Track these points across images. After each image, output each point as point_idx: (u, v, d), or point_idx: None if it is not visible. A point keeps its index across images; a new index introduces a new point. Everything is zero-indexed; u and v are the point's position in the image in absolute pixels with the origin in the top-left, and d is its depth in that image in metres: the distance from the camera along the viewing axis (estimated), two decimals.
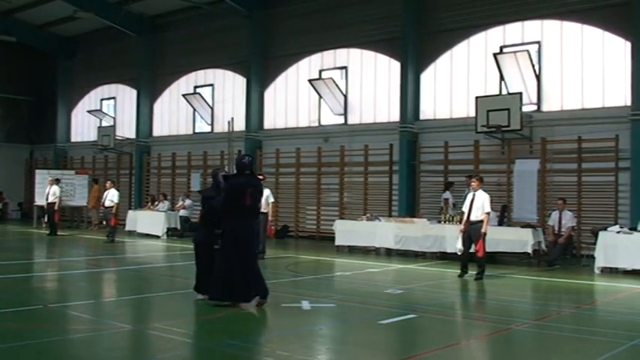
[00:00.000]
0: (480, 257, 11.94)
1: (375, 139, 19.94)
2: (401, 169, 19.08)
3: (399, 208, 18.98)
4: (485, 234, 11.97)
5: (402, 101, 19.20)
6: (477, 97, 17.14)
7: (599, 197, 16.01)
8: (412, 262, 14.91)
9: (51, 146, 30.91)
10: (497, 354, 7.11)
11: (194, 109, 24.89)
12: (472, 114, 17.29)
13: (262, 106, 23.08)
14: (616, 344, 7.15)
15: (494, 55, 16.93)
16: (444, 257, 15.16)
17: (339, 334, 7.71)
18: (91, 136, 28.75)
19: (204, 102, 24.42)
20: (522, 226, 14.82)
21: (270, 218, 15.22)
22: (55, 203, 21.18)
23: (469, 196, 12.38)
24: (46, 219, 21.88)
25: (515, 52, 16.68)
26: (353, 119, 20.88)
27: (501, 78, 17.12)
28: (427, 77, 19.17)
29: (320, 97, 21.09)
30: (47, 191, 21.38)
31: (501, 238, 14.08)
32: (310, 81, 20.88)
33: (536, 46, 17.21)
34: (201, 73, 25.22)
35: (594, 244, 13.66)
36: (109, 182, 20.21)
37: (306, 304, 8.99)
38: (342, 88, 20.93)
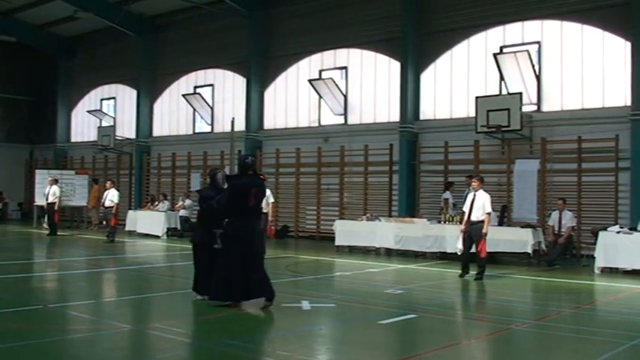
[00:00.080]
0: (482, 258, 11.94)
1: (375, 139, 19.94)
2: (401, 169, 19.08)
3: (399, 208, 18.98)
4: (486, 234, 11.97)
5: (402, 101, 19.21)
6: (476, 97, 17.14)
7: (599, 197, 16.01)
8: (412, 262, 14.91)
9: (51, 146, 30.91)
10: (497, 354, 7.11)
11: (194, 109, 24.89)
12: (472, 114, 17.29)
13: (262, 106, 23.09)
14: (616, 344, 7.15)
15: (494, 55, 16.93)
16: (444, 257, 15.16)
17: (339, 334, 7.71)
18: (91, 136, 28.75)
19: (204, 102, 24.42)
20: (522, 226, 14.82)
21: (270, 218, 15.20)
22: (55, 203, 21.18)
23: (470, 196, 12.38)
24: (45, 219, 21.87)
25: (515, 52, 16.68)
26: (353, 119, 20.88)
27: (501, 78, 17.12)
28: (427, 77, 19.18)
29: (320, 97, 21.09)
30: (47, 191, 21.38)
31: (501, 238, 14.08)
32: (310, 81, 20.88)
33: (536, 46, 17.22)
34: (201, 73, 25.22)
35: (594, 244, 13.65)
36: (109, 182, 20.20)
37: (306, 304, 8.99)
38: (342, 88, 20.93)
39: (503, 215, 15.72)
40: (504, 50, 17.37)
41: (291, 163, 21.86)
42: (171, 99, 26.31)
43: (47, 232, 21.19)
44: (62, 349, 6.71)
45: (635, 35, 15.37)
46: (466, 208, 12.28)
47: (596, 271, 13.27)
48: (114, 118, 28.42)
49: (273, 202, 15.47)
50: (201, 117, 24.80)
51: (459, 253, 12.54)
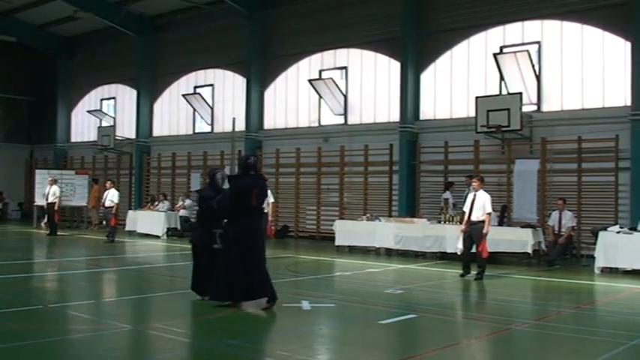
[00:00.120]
0: (484, 258, 11.94)
1: (375, 139, 19.94)
2: (401, 169, 19.08)
3: (399, 208, 18.98)
4: (486, 234, 11.98)
5: (402, 101, 19.21)
6: (476, 97, 17.14)
7: (599, 197, 16.01)
8: (412, 262, 14.91)
9: (51, 146, 30.91)
10: (498, 354, 7.11)
11: (194, 109, 24.90)
12: (472, 114, 17.29)
13: (262, 106, 23.09)
14: (616, 344, 7.15)
15: (494, 55, 16.93)
16: (444, 257, 15.16)
17: (339, 334, 7.71)
18: (91, 136, 28.75)
19: (204, 102, 24.42)
20: (522, 226, 14.82)
21: (270, 218, 15.20)
22: (55, 203, 21.19)
23: (470, 196, 12.38)
24: (45, 219, 21.87)
25: (515, 52, 16.68)
26: (353, 119, 20.88)
27: (501, 78, 17.11)
28: (427, 77, 19.18)
29: (320, 97, 21.09)
30: (47, 191, 21.38)
31: (501, 238, 14.08)
32: (310, 81, 20.88)
33: (536, 46, 17.22)
34: (201, 73, 25.22)
35: (594, 244, 13.66)
36: (109, 182, 20.20)
37: (306, 304, 8.99)
38: (342, 88, 20.93)
39: (503, 215, 15.71)
40: (504, 50, 17.37)
41: (291, 163, 21.86)
42: (171, 99, 26.31)
43: (47, 232, 21.19)
44: (62, 349, 6.71)
45: (635, 35, 15.37)
46: (466, 208, 12.28)
47: (596, 271, 13.27)
48: (114, 118, 28.42)
49: (273, 202, 15.48)
50: (201, 117, 24.80)
51: (459, 253, 12.54)
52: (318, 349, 6.88)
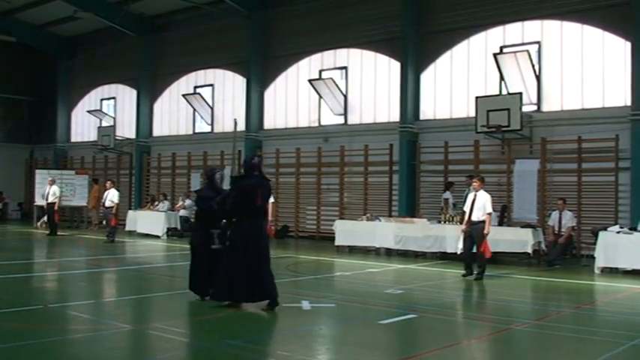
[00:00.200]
0: (486, 258, 11.93)
1: (375, 139, 19.94)
2: (401, 169, 19.08)
3: (399, 208, 18.98)
4: (487, 234, 11.98)
5: (402, 101, 19.20)
6: (476, 97, 17.13)
7: (599, 197, 16.01)
8: (412, 262, 14.91)
9: (51, 146, 30.91)
10: (498, 354, 7.11)
11: (194, 109, 24.90)
12: (472, 114, 17.29)
13: (262, 106, 23.09)
14: (616, 344, 7.15)
15: (494, 55, 16.92)
16: (444, 257, 15.16)
17: (339, 334, 7.71)
18: (91, 136, 28.74)
19: (204, 102, 24.42)
20: (522, 226, 14.82)
21: (270, 218, 15.18)
22: (55, 203, 21.19)
23: (470, 196, 12.38)
24: (44, 219, 21.86)
25: (515, 52, 16.68)
26: (353, 119, 20.88)
27: (501, 78, 17.11)
28: (427, 77, 19.18)
29: (320, 97, 21.09)
30: (47, 191, 21.37)
31: (501, 238, 14.08)
32: (310, 81, 20.88)
33: (536, 46, 17.21)
34: (201, 73, 25.22)
35: (594, 244, 13.66)
36: (109, 182, 20.21)
37: (306, 304, 8.99)
38: (342, 88, 20.93)
39: (504, 215, 15.71)
40: (504, 50, 17.37)
41: (291, 163, 21.86)
42: (171, 99, 26.31)
43: (45, 231, 21.18)
44: (62, 349, 6.71)
45: (635, 35, 15.37)
46: (467, 209, 12.28)
47: (596, 271, 13.28)
48: (114, 118, 28.41)
49: (273, 202, 15.44)
50: (201, 117, 24.80)
51: (459, 253, 12.54)
52: (318, 349, 6.88)
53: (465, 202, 12.84)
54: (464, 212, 12.54)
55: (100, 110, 28.81)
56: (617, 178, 15.65)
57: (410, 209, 18.65)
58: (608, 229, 13.64)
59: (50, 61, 31.22)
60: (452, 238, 14.30)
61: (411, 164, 18.97)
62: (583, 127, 16.18)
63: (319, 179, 21.32)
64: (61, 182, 24.05)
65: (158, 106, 26.91)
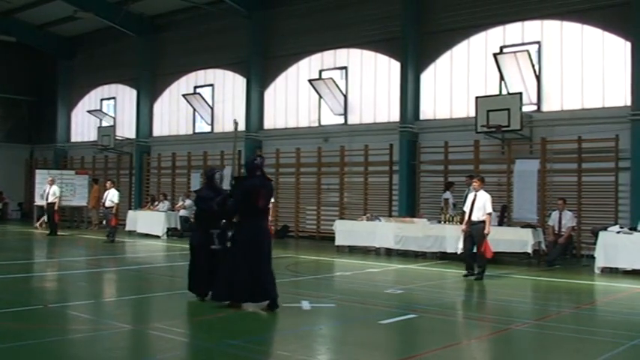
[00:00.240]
0: (486, 258, 11.93)
1: (375, 139, 19.93)
2: (401, 169, 19.08)
3: (399, 208, 18.98)
4: (487, 234, 11.98)
5: (402, 101, 19.20)
6: (476, 97, 17.13)
7: (599, 197, 16.01)
8: (412, 262, 14.91)
9: (51, 146, 30.91)
10: (498, 354, 7.11)
11: (194, 109, 24.90)
12: (472, 114, 17.29)
13: (262, 106, 23.08)
14: (616, 344, 7.15)
15: (494, 55, 16.92)
16: (444, 257, 15.16)
17: (339, 334, 7.71)
18: (91, 136, 28.74)
19: (204, 102, 24.42)
20: (522, 226, 14.82)
21: (270, 218, 15.18)
22: (55, 203, 21.19)
23: (470, 196, 12.38)
24: (43, 219, 21.85)
25: (515, 52, 16.68)
26: (353, 119, 20.88)
27: (501, 78, 17.11)
28: (427, 77, 19.18)
29: (320, 97, 21.09)
30: (47, 191, 21.38)
31: (501, 238, 14.06)
32: (310, 81, 20.88)
33: (536, 46, 17.21)
34: (201, 73, 25.22)
35: (594, 244, 13.66)
36: (109, 182, 20.21)
37: (306, 304, 8.99)
38: (342, 88, 20.93)
39: (504, 215, 15.71)
40: (504, 50, 17.36)
41: (291, 163, 21.86)
42: (171, 99, 26.31)
43: (44, 231, 21.17)
44: (62, 349, 6.70)
45: (635, 35, 15.37)
46: (467, 209, 12.28)
47: (596, 271, 13.28)
48: (114, 118, 28.41)
49: (273, 202, 15.42)
50: (201, 117, 24.80)
51: (459, 253, 12.53)
52: (318, 349, 6.88)
53: (464, 202, 12.84)
54: (464, 212, 12.54)
55: (100, 110, 28.81)
56: (617, 178, 15.65)
57: (410, 209, 18.65)
58: (608, 229, 13.65)
59: (50, 61, 31.22)
60: (452, 238, 14.29)
61: (411, 164, 18.97)
62: (583, 127, 16.18)
63: (319, 179, 21.32)
64: (61, 182, 24.06)
65: (158, 106, 26.91)
